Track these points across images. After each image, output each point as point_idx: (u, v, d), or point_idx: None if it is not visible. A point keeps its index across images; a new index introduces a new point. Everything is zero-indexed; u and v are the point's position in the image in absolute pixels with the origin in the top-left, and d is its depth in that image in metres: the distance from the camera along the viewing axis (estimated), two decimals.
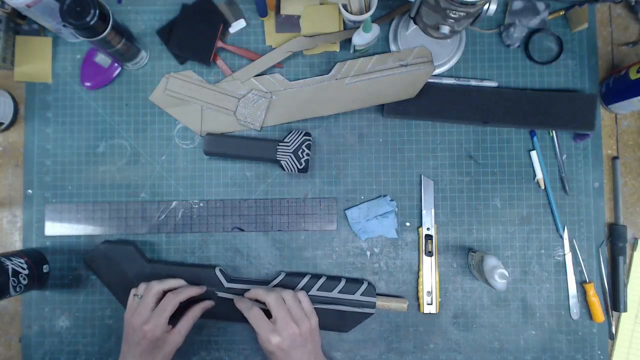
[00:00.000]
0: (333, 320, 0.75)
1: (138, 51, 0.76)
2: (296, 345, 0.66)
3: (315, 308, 0.75)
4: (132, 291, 0.71)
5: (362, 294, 0.75)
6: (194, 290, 0.72)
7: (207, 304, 0.73)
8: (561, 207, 0.78)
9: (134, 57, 0.76)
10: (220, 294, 0.75)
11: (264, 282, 0.76)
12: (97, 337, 0.78)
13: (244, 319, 0.74)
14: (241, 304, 0.70)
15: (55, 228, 0.78)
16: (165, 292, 0.70)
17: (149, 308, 0.68)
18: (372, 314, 0.75)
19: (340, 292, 0.75)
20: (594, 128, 0.77)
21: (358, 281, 0.77)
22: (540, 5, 0.79)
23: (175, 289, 0.71)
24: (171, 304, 0.68)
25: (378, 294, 0.77)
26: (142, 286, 0.70)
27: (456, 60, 0.79)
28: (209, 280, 0.75)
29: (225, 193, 0.79)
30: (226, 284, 0.75)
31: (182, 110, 0.78)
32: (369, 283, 0.76)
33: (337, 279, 0.76)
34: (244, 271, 0.78)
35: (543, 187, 0.78)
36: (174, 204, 0.79)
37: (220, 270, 0.76)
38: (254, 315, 0.68)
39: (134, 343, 0.66)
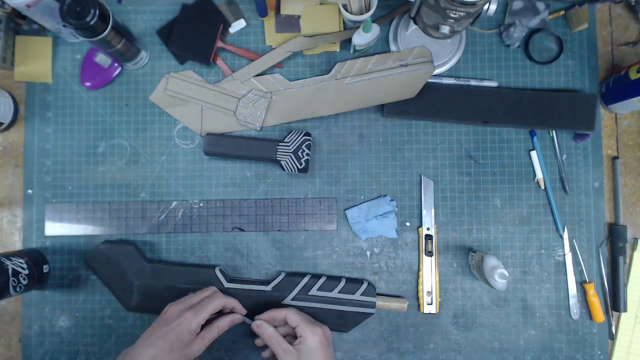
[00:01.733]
0: (333, 320, 0.75)
1: (138, 51, 0.76)
2: (325, 346, 0.68)
3: (315, 308, 0.75)
4: (220, 303, 0.69)
5: (362, 294, 0.75)
6: (239, 309, 0.72)
7: (236, 318, 0.70)
8: (561, 207, 0.78)
9: (134, 57, 0.76)
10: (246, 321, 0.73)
11: (264, 282, 0.76)
12: (97, 337, 0.78)
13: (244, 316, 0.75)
14: (273, 313, 0.71)
15: (55, 228, 0.78)
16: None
17: (194, 301, 0.67)
18: (372, 314, 0.75)
19: (340, 292, 0.75)
20: (594, 128, 0.77)
21: (358, 281, 0.77)
22: (540, 5, 0.79)
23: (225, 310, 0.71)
24: (214, 303, 0.67)
25: (378, 294, 0.77)
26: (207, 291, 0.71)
27: (456, 60, 0.79)
28: (209, 280, 0.75)
29: (225, 193, 0.79)
30: (226, 284, 0.75)
31: (182, 110, 0.78)
32: (369, 283, 0.76)
33: (337, 279, 0.76)
34: (244, 271, 0.78)
35: (543, 187, 0.78)
36: (174, 204, 0.79)
37: (220, 271, 0.76)
38: (295, 312, 0.70)
39: (165, 329, 0.63)
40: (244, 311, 0.72)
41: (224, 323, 0.69)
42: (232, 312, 0.72)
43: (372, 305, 0.75)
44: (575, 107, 0.77)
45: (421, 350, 0.78)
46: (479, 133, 0.79)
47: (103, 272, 0.75)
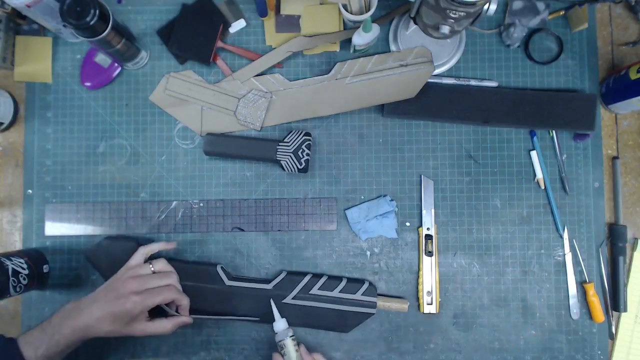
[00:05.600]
0: (334, 320, 0.75)
1: (138, 51, 0.76)
2: None
3: (315, 308, 0.75)
4: (143, 250, 0.71)
5: (363, 294, 0.75)
6: (184, 308, 0.70)
7: (187, 322, 0.70)
8: (561, 207, 0.78)
9: (134, 57, 0.76)
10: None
11: (265, 281, 0.76)
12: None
13: (244, 315, 0.75)
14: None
15: (55, 228, 0.78)
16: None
17: (149, 285, 0.67)
18: (373, 314, 0.75)
19: (341, 291, 0.75)
20: (594, 128, 0.77)
21: (359, 281, 0.77)
22: (540, 5, 0.79)
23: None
24: (165, 295, 0.67)
25: (379, 294, 0.77)
26: (162, 264, 0.71)
27: (456, 60, 0.79)
28: (210, 278, 0.75)
29: (225, 193, 0.79)
30: (227, 282, 0.75)
31: (182, 110, 0.78)
32: (370, 283, 0.76)
33: (338, 278, 0.76)
34: (244, 271, 0.78)
35: (543, 187, 0.78)
36: (174, 204, 0.78)
37: (222, 268, 0.76)
38: None
39: (113, 298, 0.65)
40: (190, 320, 0.70)
41: (168, 325, 0.68)
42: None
43: (373, 305, 0.75)
44: (575, 107, 0.77)
45: (421, 350, 0.78)
46: (479, 133, 0.79)
47: (104, 268, 0.75)
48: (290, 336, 0.71)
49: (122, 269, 0.69)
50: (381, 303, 0.75)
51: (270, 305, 0.74)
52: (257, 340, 0.78)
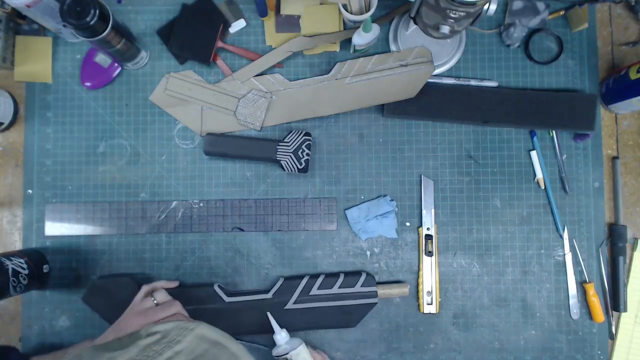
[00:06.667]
0: (338, 317, 0.75)
1: (138, 51, 0.76)
2: None
3: (318, 307, 0.75)
4: (145, 288, 0.70)
5: (362, 285, 0.75)
6: None
7: None
8: (561, 207, 0.78)
9: (134, 57, 0.76)
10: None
11: (263, 291, 0.76)
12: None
13: (246, 332, 0.75)
14: None
15: (55, 228, 0.78)
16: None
17: (156, 318, 0.65)
18: (376, 303, 0.75)
19: (340, 287, 0.75)
20: (594, 128, 0.77)
21: (357, 273, 0.76)
22: (540, 5, 0.79)
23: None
24: None
25: (378, 283, 0.77)
26: (163, 294, 0.69)
27: (456, 60, 0.79)
28: (210, 299, 0.74)
29: (225, 193, 0.79)
30: (227, 299, 0.75)
31: (182, 110, 0.78)
32: (368, 273, 0.76)
33: (336, 275, 0.76)
34: (243, 271, 0.78)
35: (543, 187, 0.78)
36: (174, 204, 0.78)
37: (219, 287, 0.75)
38: None
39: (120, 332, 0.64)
40: None
41: None
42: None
43: (374, 294, 0.75)
44: (575, 107, 0.77)
45: (421, 350, 0.78)
46: (479, 133, 0.79)
47: (102, 308, 0.74)
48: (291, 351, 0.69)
49: (127, 310, 0.68)
50: (382, 291, 0.75)
51: (274, 314, 0.74)
52: (257, 341, 0.77)
